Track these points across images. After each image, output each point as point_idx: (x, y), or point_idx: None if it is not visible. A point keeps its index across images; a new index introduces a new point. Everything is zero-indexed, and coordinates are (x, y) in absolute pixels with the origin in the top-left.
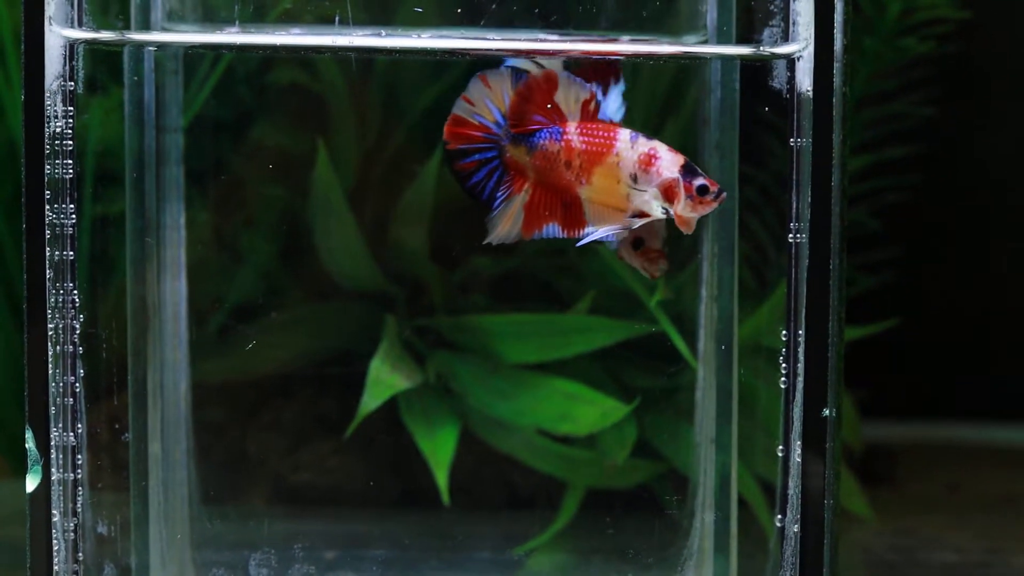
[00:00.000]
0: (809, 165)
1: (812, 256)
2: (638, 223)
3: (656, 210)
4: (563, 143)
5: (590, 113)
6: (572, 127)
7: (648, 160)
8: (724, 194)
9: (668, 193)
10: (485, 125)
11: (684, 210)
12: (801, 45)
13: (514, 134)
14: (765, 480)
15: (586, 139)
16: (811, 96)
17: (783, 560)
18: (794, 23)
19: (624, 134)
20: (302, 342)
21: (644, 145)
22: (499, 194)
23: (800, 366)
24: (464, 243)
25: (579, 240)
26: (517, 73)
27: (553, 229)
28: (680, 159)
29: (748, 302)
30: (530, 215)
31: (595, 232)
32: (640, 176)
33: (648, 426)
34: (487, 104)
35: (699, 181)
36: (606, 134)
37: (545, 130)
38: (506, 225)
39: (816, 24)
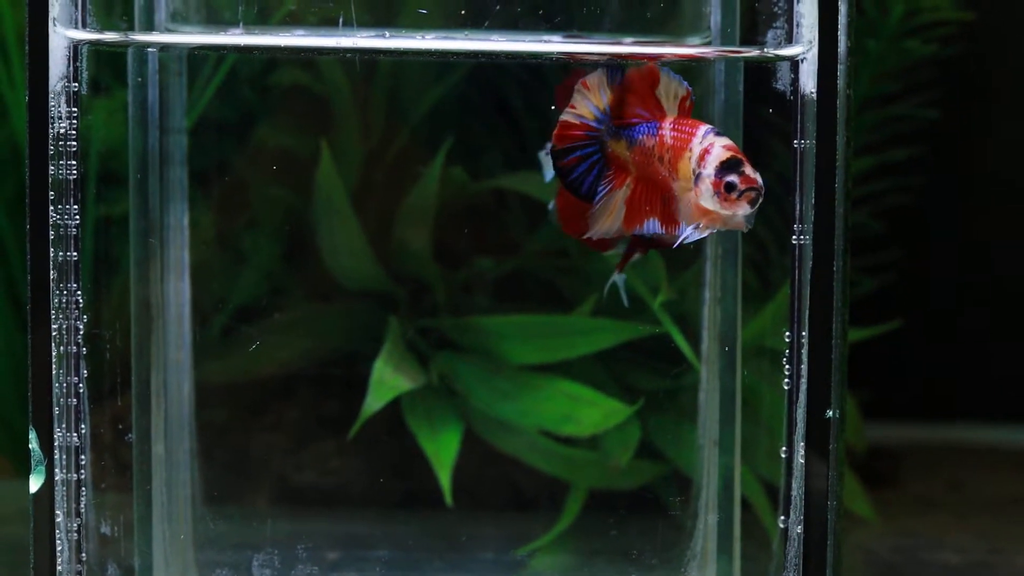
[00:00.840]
0: (813, 167)
1: (816, 258)
2: (716, 224)
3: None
4: (658, 138)
5: (686, 110)
6: (667, 122)
7: (702, 155)
8: (753, 193)
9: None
10: (587, 124)
11: (707, 202)
12: (805, 47)
13: (615, 128)
14: (768, 481)
15: (674, 134)
16: (815, 98)
17: (786, 561)
18: (798, 25)
19: (702, 130)
20: (305, 343)
21: (708, 141)
22: (600, 188)
23: (804, 367)
24: (467, 244)
25: (676, 241)
26: (612, 71)
27: (653, 224)
28: (726, 155)
29: (751, 304)
30: (631, 210)
31: (692, 234)
32: (697, 171)
33: (651, 427)
34: (586, 104)
35: (729, 177)
36: (689, 130)
37: (644, 124)
38: (608, 220)
39: (820, 26)
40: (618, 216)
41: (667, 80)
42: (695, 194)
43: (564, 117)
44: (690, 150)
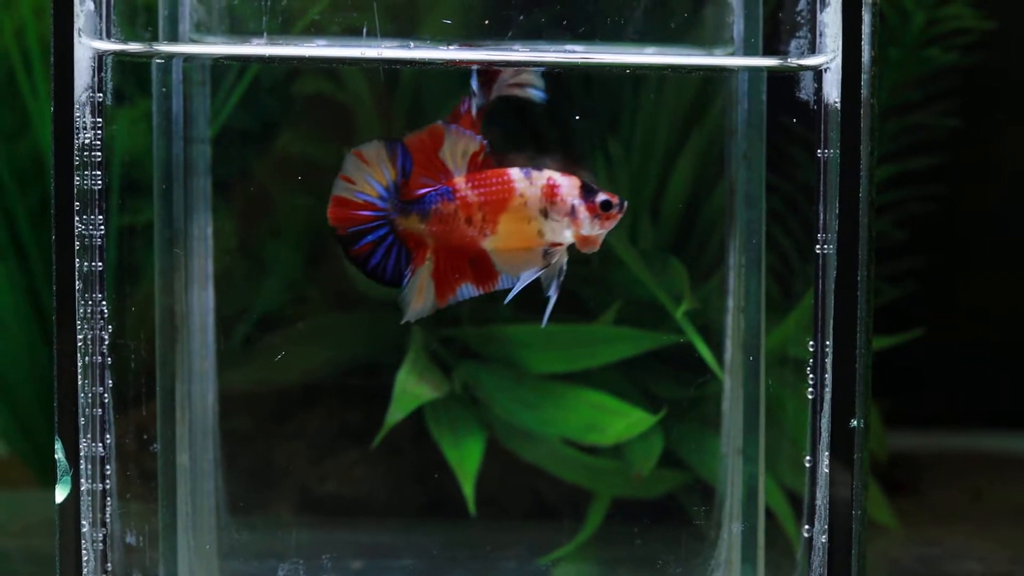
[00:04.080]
0: (837, 176)
1: (840, 267)
2: (556, 256)
3: (568, 237)
4: (458, 201)
5: (478, 165)
6: (461, 182)
7: (551, 191)
8: (627, 203)
9: (575, 217)
10: (369, 202)
11: (591, 229)
12: (828, 56)
13: (403, 203)
14: (792, 491)
15: (483, 190)
16: (839, 107)
17: (810, 571)
18: (821, 34)
19: (516, 173)
20: (328, 352)
21: (540, 177)
22: (406, 272)
23: (828, 376)
24: None
25: (507, 296)
26: (391, 143)
27: (467, 289)
28: (576, 181)
29: (774, 313)
30: (440, 283)
31: (521, 281)
32: (549, 209)
33: (674, 437)
34: (367, 179)
35: (600, 198)
36: (500, 179)
37: (432, 192)
38: (419, 300)
39: (844, 36)
40: (428, 293)
41: (453, 139)
42: (575, 226)
43: (337, 193)
44: (520, 195)
